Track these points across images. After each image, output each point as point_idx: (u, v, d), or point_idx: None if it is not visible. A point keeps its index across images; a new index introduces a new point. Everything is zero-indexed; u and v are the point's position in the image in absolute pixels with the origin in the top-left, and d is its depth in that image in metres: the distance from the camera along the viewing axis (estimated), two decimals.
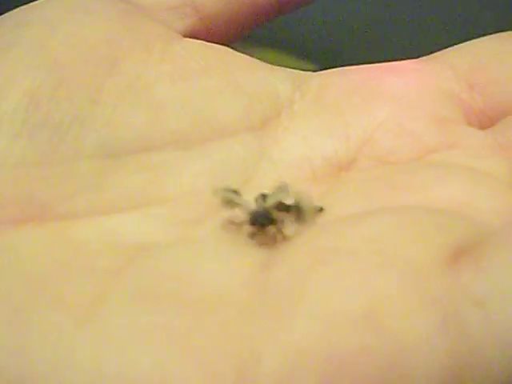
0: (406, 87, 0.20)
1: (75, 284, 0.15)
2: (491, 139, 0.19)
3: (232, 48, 0.22)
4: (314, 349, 0.14)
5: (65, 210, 0.17)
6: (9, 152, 0.17)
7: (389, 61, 0.22)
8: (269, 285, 0.15)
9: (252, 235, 0.17)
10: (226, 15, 0.22)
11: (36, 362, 0.14)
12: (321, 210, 0.18)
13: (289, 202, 0.18)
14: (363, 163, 0.19)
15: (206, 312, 0.15)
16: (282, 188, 0.18)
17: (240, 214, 0.18)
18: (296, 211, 0.17)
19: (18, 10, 0.20)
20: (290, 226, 0.17)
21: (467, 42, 0.21)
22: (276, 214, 0.18)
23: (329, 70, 0.22)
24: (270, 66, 0.21)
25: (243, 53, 0.22)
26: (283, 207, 0.18)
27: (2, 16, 0.20)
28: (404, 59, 0.22)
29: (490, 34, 0.22)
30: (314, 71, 0.22)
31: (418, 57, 0.22)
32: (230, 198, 0.18)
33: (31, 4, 0.20)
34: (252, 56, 0.22)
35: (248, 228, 0.17)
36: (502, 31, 0.22)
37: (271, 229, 0.17)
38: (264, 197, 0.18)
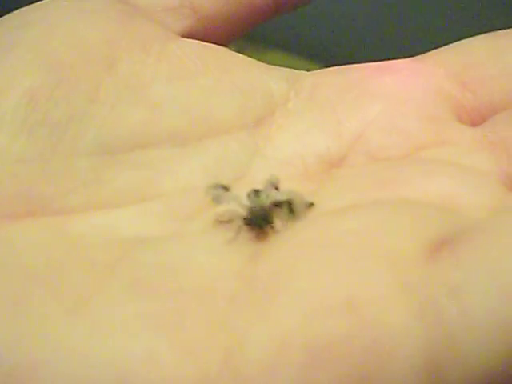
0: (397, 85, 0.21)
1: (71, 276, 0.16)
2: (481, 136, 0.20)
3: (236, 48, 0.22)
4: (296, 337, 0.14)
5: (63, 205, 0.18)
6: (9, 149, 0.18)
7: (391, 59, 0.22)
8: (256, 276, 0.16)
9: (243, 230, 0.18)
10: (224, 16, 0.22)
11: (29, 351, 0.15)
12: (311, 205, 0.18)
13: (280, 197, 0.18)
14: (355, 160, 0.20)
15: (194, 302, 0.15)
16: (272, 182, 0.18)
17: (231, 211, 0.18)
18: (287, 206, 0.18)
19: (17, 11, 0.21)
20: (280, 221, 0.18)
21: (459, 42, 0.22)
22: (270, 211, 0.18)
23: (322, 70, 0.22)
24: (265, 65, 0.22)
25: (246, 53, 0.22)
26: (274, 203, 0.18)
27: (3, 17, 0.21)
28: (405, 57, 0.22)
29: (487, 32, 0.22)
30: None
31: (419, 53, 0.22)
32: (221, 195, 0.18)
33: (31, 6, 0.21)
34: (254, 56, 0.22)
35: (239, 223, 0.18)
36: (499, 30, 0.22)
37: (263, 224, 0.18)
38: (256, 192, 0.18)
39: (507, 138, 0.19)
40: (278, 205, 0.18)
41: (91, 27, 0.20)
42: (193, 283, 0.16)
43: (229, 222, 0.18)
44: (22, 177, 0.18)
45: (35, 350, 0.15)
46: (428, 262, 0.15)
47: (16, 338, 0.15)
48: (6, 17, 0.21)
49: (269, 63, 0.22)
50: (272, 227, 0.18)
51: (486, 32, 0.22)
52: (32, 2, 0.21)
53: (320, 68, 0.23)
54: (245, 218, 0.18)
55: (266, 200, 0.18)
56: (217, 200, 0.18)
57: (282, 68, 0.22)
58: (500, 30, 0.22)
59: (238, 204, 0.18)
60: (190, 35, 0.22)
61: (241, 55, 0.22)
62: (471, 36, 0.22)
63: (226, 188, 0.18)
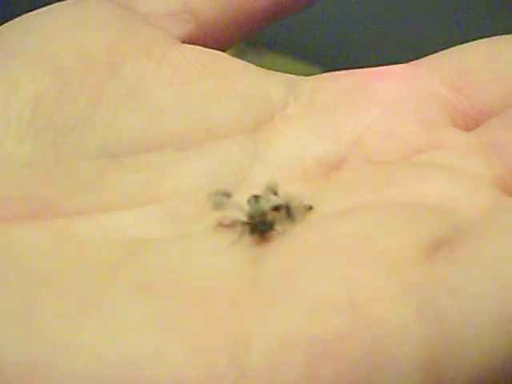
0: (394, 91, 0.21)
1: (76, 276, 0.16)
2: (475, 140, 0.20)
3: (236, 52, 0.22)
4: (300, 335, 0.15)
5: (67, 207, 0.18)
6: (15, 153, 0.18)
7: (389, 63, 0.23)
8: (259, 277, 0.16)
9: (244, 234, 0.18)
10: (224, 21, 0.23)
11: (38, 350, 0.15)
12: (310, 208, 0.19)
13: (279, 201, 0.19)
14: (352, 163, 0.20)
15: (200, 302, 0.16)
16: (272, 187, 0.19)
17: (232, 216, 0.19)
18: (286, 210, 0.18)
19: (20, 17, 0.21)
20: (280, 225, 0.18)
21: (454, 47, 0.22)
22: (269, 216, 0.18)
23: (320, 75, 0.22)
24: (264, 70, 0.22)
25: (246, 57, 0.22)
26: (274, 207, 0.19)
27: (7, 24, 0.21)
28: (403, 62, 0.23)
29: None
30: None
31: (418, 57, 0.23)
32: (222, 202, 0.19)
33: (34, 12, 0.21)
34: (254, 59, 0.23)
35: (240, 227, 0.18)
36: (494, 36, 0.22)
37: (264, 229, 0.18)
38: (256, 198, 0.19)
39: (501, 142, 0.20)
40: (277, 209, 0.18)
41: (93, 33, 0.21)
42: (197, 284, 0.16)
43: (230, 226, 0.18)
44: (28, 180, 0.18)
45: (44, 349, 0.15)
46: (426, 262, 0.15)
47: (25, 337, 0.15)
48: (9, 23, 0.21)
49: (269, 67, 0.23)
50: (272, 232, 0.18)
51: (481, 38, 0.22)
52: (35, 8, 0.22)
53: (319, 72, 0.23)
54: (245, 224, 0.18)
55: (266, 205, 0.19)
56: (218, 206, 0.19)
57: (281, 73, 0.22)
58: (495, 35, 0.22)
59: (239, 210, 0.18)
60: (190, 40, 0.22)
61: (241, 61, 0.22)
62: (466, 42, 0.22)
63: (227, 194, 0.19)
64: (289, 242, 0.17)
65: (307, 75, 0.23)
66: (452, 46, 0.22)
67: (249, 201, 0.19)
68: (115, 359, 0.15)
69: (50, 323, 0.16)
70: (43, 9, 0.22)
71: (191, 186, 0.19)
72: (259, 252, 0.17)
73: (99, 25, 0.21)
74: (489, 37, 0.22)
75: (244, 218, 0.18)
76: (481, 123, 0.21)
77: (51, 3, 0.22)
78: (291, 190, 0.19)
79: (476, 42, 0.22)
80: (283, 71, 0.23)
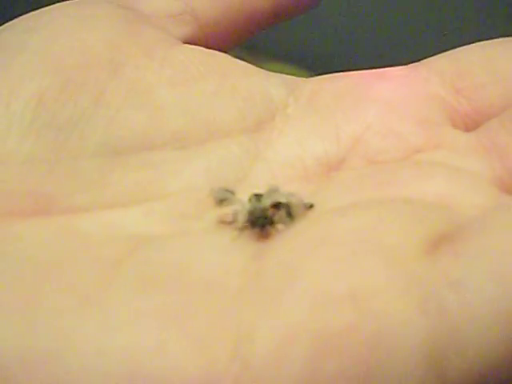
0: (393, 91, 0.21)
1: (79, 271, 0.16)
2: (475, 140, 0.20)
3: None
4: (303, 329, 0.15)
5: (69, 204, 0.18)
6: (18, 150, 0.19)
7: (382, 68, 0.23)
8: (261, 272, 0.16)
9: (245, 229, 0.18)
10: (225, 23, 0.23)
11: (43, 340, 0.15)
12: (311, 206, 0.19)
13: (279, 199, 0.19)
14: (352, 163, 0.20)
15: (202, 297, 0.16)
16: (274, 189, 0.19)
17: (234, 212, 0.19)
18: (286, 208, 0.19)
19: (23, 16, 0.21)
20: (281, 223, 0.18)
21: (453, 50, 0.22)
22: (270, 213, 0.19)
23: (321, 76, 0.23)
24: (265, 71, 0.22)
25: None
26: (275, 205, 0.19)
27: (9, 23, 0.21)
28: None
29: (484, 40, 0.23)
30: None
31: (416, 61, 0.23)
32: (225, 198, 0.19)
33: (36, 11, 0.22)
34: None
35: (242, 223, 0.18)
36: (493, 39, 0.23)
37: (264, 225, 0.18)
38: (257, 197, 0.19)
39: (500, 142, 0.20)
40: (277, 207, 0.19)
41: (95, 32, 0.21)
42: (199, 278, 0.16)
43: (231, 222, 0.19)
44: (30, 177, 0.18)
45: (47, 343, 0.15)
46: (428, 256, 0.16)
47: (28, 331, 0.15)
48: (11, 22, 0.21)
49: None
50: (273, 228, 0.18)
51: (479, 40, 0.22)
52: (38, 8, 0.22)
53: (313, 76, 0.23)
54: (246, 220, 0.18)
55: (266, 202, 0.19)
56: (220, 202, 0.19)
57: (281, 75, 0.23)
58: (494, 38, 0.22)
59: (240, 206, 0.19)
60: (191, 41, 0.22)
61: (241, 62, 0.22)
62: (465, 44, 0.22)
63: (229, 191, 0.19)
64: (290, 237, 0.17)
65: None
66: (450, 49, 0.23)
67: (250, 199, 0.19)
68: (118, 353, 0.15)
69: (53, 317, 0.16)
70: (45, 8, 0.22)
71: (192, 184, 0.20)
72: (261, 248, 0.17)
73: (101, 24, 0.21)
74: (488, 39, 0.22)
75: (245, 213, 0.18)
76: (480, 124, 0.21)
77: (53, 3, 0.22)
78: (292, 189, 0.19)
79: (475, 44, 0.22)
80: None
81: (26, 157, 0.19)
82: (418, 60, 0.23)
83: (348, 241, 0.16)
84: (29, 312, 0.16)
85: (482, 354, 0.15)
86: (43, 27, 0.21)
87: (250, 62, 0.23)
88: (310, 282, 0.16)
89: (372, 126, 0.21)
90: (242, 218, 0.18)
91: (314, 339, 0.15)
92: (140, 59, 0.21)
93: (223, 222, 0.19)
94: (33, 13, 0.22)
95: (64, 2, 0.22)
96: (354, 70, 0.23)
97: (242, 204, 0.19)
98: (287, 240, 0.17)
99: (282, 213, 0.19)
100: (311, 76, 0.23)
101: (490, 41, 0.22)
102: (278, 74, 0.23)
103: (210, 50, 0.22)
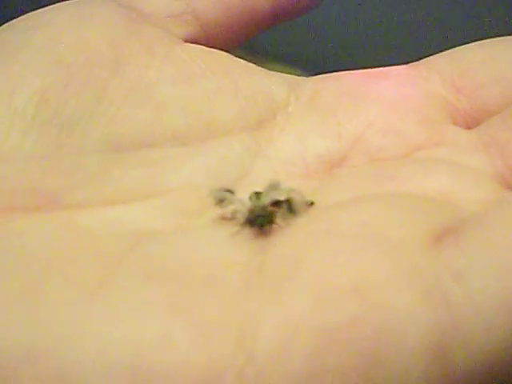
0: (394, 90, 0.22)
1: (81, 265, 0.16)
2: (476, 137, 0.20)
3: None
4: (307, 321, 0.15)
5: (71, 200, 0.18)
6: (20, 145, 0.19)
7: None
8: (264, 265, 0.16)
9: (245, 226, 0.18)
10: (226, 23, 0.23)
11: (46, 334, 0.15)
12: (312, 204, 0.19)
13: (280, 196, 0.19)
14: (354, 160, 0.20)
15: (206, 290, 0.16)
16: (274, 185, 0.19)
17: (233, 211, 0.19)
18: (287, 204, 0.19)
19: (28, 14, 0.21)
20: (282, 219, 0.18)
21: (453, 49, 0.23)
22: (271, 210, 0.19)
23: (322, 75, 0.23)
24: (266, 70, 0.22)
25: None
26: (276, 202, 0.19)
27: (11, 22, 0.21)
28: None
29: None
30: None
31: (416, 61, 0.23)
32: (224, 198, 0.19)
33: (39, 10, 0.22)
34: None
35: (241, 219, 0.18)
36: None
37: (264, 223, 0.18)
38: (257, 195, 0.19)
39: (501, 139, 0.20)
40: (278, 204, 0.19)
41: (97, 30, 0.21)
42: (202, 272, 0.16)
43: (232, 219, 0.19)
44: (32, 172, 0.18)
45: (50, 335, 0.15)
46: (432, 248, 0.16)
47: (32, 323, 0.15)
48: (13, 21, 0.21)
49: None
50: (273, 226, 0.18)
51: (480, 39, 0.22)
52: (41, 7, 0.22)
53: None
54: (246, 218, 0.18)
55: (266, 199, 0.19)
56: (220, 202, 0.19)
57: (282, 74, 0.23)
58: (494, 37, 0.22)
59: (241, 205, 0.19)
60: (192, 41, 0.23)
61: (242, 61, 0.22)
62: (465, 43, 0.23)
63: (229, 191, 0.19)
64: (292, 232, 0.17)
65: None
66: (450, 48, 0.23)
67: (250, 197, 0.19)
68: (122, 345, 0.15)
69: (56, 311, 0.16)
70: (46, 8, 0.22)
71: (193, 181, 0.20)
72: (263, 243, 0.17)
73: (103, 23, 0.21)
74: (488, 38, 0.22)
75: (244, 212, 0.18)
76: (480, 123, 0.21)
77: (53, 3, 0.22)
78: (294, 186, 0.19)
79: (475, 43, 0.22)
80: None
81: (28, 153, 0.19)
82: (418, 60, 0.23)
83: (351, 234, 0.16)
84: (31, 306, 0.16)
85: (486, 347, 0.15)
86: (45, 26, 0.21)
87: (251, 63, 0.23)
88: (314, 275, 0.16)
89: (373, 124, 0.21)
90: (241, 217, 0.18)
91: (318, 332, 0.15)
92: (141, 57, 0.21)
93: (224, 219, 0.19)
94: (34, 12, 0.22)
95: (65, 2, 0.22)
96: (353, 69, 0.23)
97: (241, 203, 0.19)
98: (289, 234, 0.17)
99: (283, 209, 0.19)
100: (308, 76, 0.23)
101: (490, 40, 0.22)
102: (280, 73, 0.23)
103: (212, 49, 0.22)
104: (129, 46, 0.21)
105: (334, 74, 0.23)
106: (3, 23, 0.22)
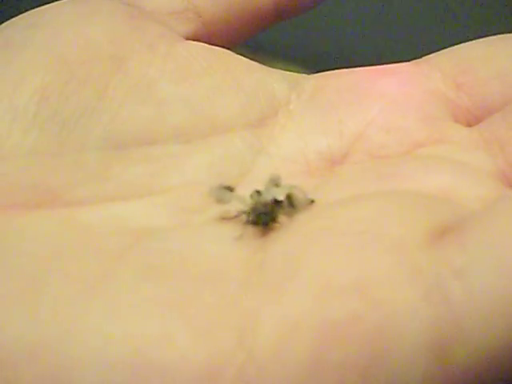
0: (396, 87, 0.22)
1: (82, 261, 0.17)
2: (477, 135, 0.20)
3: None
4: (307, 318, 0.15)
5: (72, 197, 0.18)
6: (21, 143, 0.19)
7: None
8: (265, 262, 0.16)
9: (247, 225, 0.18)
10: (228, 21, 0.23)
11: (46, 330, 0.15)
12: (312, 202, 0.19)
13: (281, 193, 0.19)
14: (355, 157, 0.20)
15: (206, 287, 0.16)
16: (274, 180, 0.19)
17: (234, 209, 0.19)
18: (289, 201, 0.19)
19: (29, 12, 0.21)
20: (284, 215, 0.18)
21: (455, 46, 0.22)
22: (273, 208, 0.19)
23: (323, 73, 0.23)
24: (267, 68, 0.22)
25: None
26: (276, 198, 0.19)
27: (12, 19, 0.21)
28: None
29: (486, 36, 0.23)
30: None
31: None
32: (224, 196, 0.19)
33: (40, 8, 0.22)
34: None
35: (244, 218, 0.18)
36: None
37: (267, 221, 0.18)
38: (258, 193, 0.19)
39: (502, 137, 0.20)
40: (279, 202, 0.19)
41: (98, 28, 0.21)
42: (203, 269, 0.16)
43: (234, 218, 0.19)
44: (34, 169, 0.18)
45: (50, 331, 0.15)
46: (432, 246, 0.16)
47: (33, 318, 0.15)
48: (14, 19, 0.21)
49: None
50: (275, 223, 0.18)
51: (481, 37, 0.22)
52: (42, 4, 0.22)
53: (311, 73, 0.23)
54: (248, 216, 0.18)
55: (268, 197, 0.19)
56: (220, 201, 0.19)
57: (283, 71, 0.23)
58: (495, 34, 0.22)
59: (241, 202, 0.19)
60: (194, 39, 0.23)
61: (244, 58, 0.22)
62: (466, 41, 0.23)
63: (229, 188, 0.19)
64: (293, 229, 0.17)
65: None
66: (451, 45, 0.23)
67: (251, 196, 0.19)
68: (121, 342, 0.15)
69: (56, 307, 0.16)
70: (48, 5, 0.22)
71: (195, 178, 0.20)
72: (264, 240, 0.17)
73: (104, 20, 0.21)
74: (489, 36, 0.22)
75: (246, 210, 0.18)
76: (481, 120, 0.21)
77: (55, 0, 0.22)
78: (295, 183, 0.19)
79: (476, 40, 0.22)
80: None
81: (29, 150, 0.19)
82: (420, 57, 0.23)
83: (352, 231, 0.16)
84: (31, 303, 0.16)
85: (487, 344, 0.15)
86: (47, 23, 0.21)
87: (253, 61, 0.23)
88: (314, 271, 0.16)
89: (375, 122, 0.21)
90: (243, 214, 0.18)
91: (319, 329, 0.15)
92: (143, 54, 0.21)
93: (225, 219, 0.19)
94: (36, 9, 0.22)
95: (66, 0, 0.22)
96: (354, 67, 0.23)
97: (242, 200, 0.19)
98: (290, 231, 0.17)
99: (285, 206, 0.19)
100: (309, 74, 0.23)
101: (490, 37, 0.22)
102: (281, 71, 0.23)
103: (214, 47, 0.22)
104: (130, 44, 0.21)
105: (336, 71, 0.23)
106: (5, 21, 0.22)
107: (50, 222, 0.18)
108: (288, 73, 0.23)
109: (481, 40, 0.22)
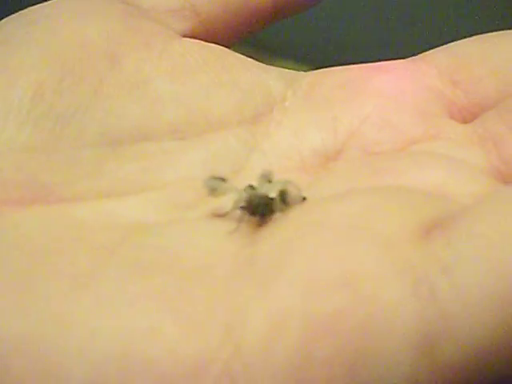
0: (391, 84, 0.22)
1: (74, 256, 0.17)
2: (472, 131, 0.20)
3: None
4: (295, 311, 0.15)
5: (66, 193, 0.19)
6: (15, 138, 0.19)
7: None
8: (254, 256, 0.16)
9: (243, 218, 0.18)
10: (225, 19, 0.23)
11: (36, 324, 0.15)
12: (304, 199, 0.19)
13: (274, 187, 0.19)
14: (350, 154, 0.20)
15: (195, 281, 0.16)
16: (266, 176, 0.19)
17: (228, 202, 0.19)
18: (281, 196, 0.19)
19: (24, 11, 0.22)
20: (276, 211, 0.18)
21: (451, 43, 0.22)
22: (266, 200, 0.19)
23: (319, 70, 0.23)
24: (263, 65, 0.22)
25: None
26: (269, 192, 0.19)
27: (10, 16, 0.22)
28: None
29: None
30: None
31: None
32: (218, 187, 0.19)
33: (39, 5, 0.22)
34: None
35: (238, 213, 0.18)
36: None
37: (264, 211, 0.18)
38: (251, 188, 0.19)
39: (496, 133, 0.20)
40: (272, 195, 0.19)
41: (94, 25, 0.21)
42: (193, 263, 0.16)
43: (225, 215, 0.19)
44: (28, 165, 0.19)
45: (40, 326, 0.15)
46: (420, 242, 0.16)
47: (23, 311, 0.15)
48: (12, 16, 0.22)
49: None
50: (272, 214, 0.18)
51: (477, 34, 0.22)
52: (39, 2, 0.22)
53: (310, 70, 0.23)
54: (243, 207, 0.18)
55: (262, 190, 0.19)
56: (213, 192, 0.19)
57: (279, 68, 0.23)
58: (491, 32, 0.22)
59: (236, 193, 0.19)
60: (191, 37, 0.23)
61: (240, 55, 0.22)
62: (462, 38, 0.22)
63: (222, 180, 0.19)
64: (283, 223, 0.17)
65: None
66: (447, 42, 0.23)
67: (245, 190, 0.19)
68: (110, 335, 0.15)
69: (46, 301, 0.16)
70: (46, 3, 0.22)
71: (189, 175, 0.20)
72: (255, 234, 0.17)
73: (100, 18, 0.21)
74: (485, 33, 0.22)
75: (242, 202, 0.18)
76: (477, 116, 0.21)
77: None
78: (289, 178, 0.19)
79: (472, 37, 0.22)
80: None
81: (24, 146, 0.19)
82: (416, 54, 0.23)
83: (341, 226, 0.16)
84: (22, 297, 0.16)
85: (474, 340, 0.15)
86: (44, 21, 0.21)
87: (253, 59, 0.23)
88: (303, 266, 0.16)
89: (369, 118, 0.21)
90: (240, 206, 0.18)
91: (306, 324, 0.15)
92: (139, 51, 0.21)
93: (219, 215, 0.19)
94: (34, 7, 0.22)
95: None
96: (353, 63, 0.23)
97: (238, 192, 0.19)
98: (280, 226, 0.17)
99: (277, 201, 0.19)
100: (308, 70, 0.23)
101: (486, 34, 0.22)
102: (278, 68, 0.23)
103: (210, 44, 0.22)
104: (126, 41, 0.21)
105: (332, 68, 0.23)
106: (3, 18, 0.22)
107: (43, 218, 0.18)
108: (285, 70, 0.23)
109: (477, 37, 0.22)
